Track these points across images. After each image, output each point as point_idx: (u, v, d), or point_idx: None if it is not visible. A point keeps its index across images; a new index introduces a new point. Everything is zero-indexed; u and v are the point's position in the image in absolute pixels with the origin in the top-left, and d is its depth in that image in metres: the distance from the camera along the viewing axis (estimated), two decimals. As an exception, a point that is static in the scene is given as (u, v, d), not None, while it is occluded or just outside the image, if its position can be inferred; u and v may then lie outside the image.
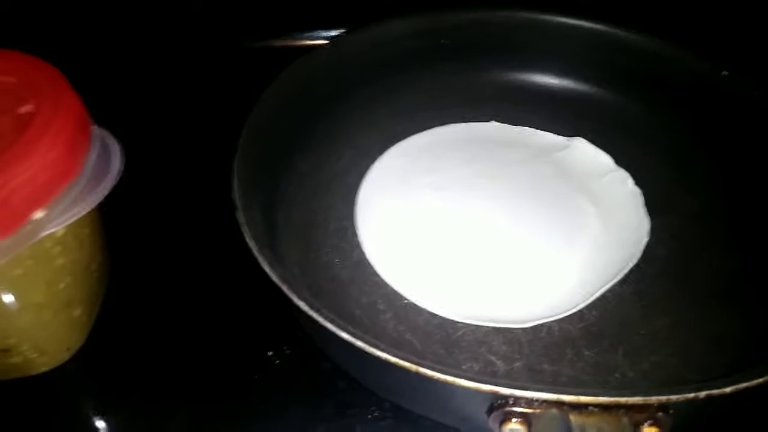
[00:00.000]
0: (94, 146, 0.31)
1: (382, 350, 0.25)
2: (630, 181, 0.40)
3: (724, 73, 0.41)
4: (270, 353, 0.34)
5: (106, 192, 0.30)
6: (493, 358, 0.32)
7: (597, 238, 0.37)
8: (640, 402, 0.23)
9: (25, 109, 0.29)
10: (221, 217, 0.32)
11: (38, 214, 0.27)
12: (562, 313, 0.33)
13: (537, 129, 0.44)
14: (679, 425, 0.24)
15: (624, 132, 0.44)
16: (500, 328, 0.33)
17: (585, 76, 0.46)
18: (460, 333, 0.32)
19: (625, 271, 0.35)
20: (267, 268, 0.28)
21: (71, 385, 0.34)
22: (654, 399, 0.23)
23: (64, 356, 0.34)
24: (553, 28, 0.46)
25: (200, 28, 0.55)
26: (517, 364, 0.31)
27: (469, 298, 0.34)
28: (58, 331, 0.33)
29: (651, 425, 0.23)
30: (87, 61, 0.46)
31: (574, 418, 0.23)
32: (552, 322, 0.33)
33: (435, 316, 0.33)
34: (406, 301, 0.34)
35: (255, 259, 0.28)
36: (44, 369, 0.33)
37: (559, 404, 0.23)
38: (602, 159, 0.42)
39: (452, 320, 0.33)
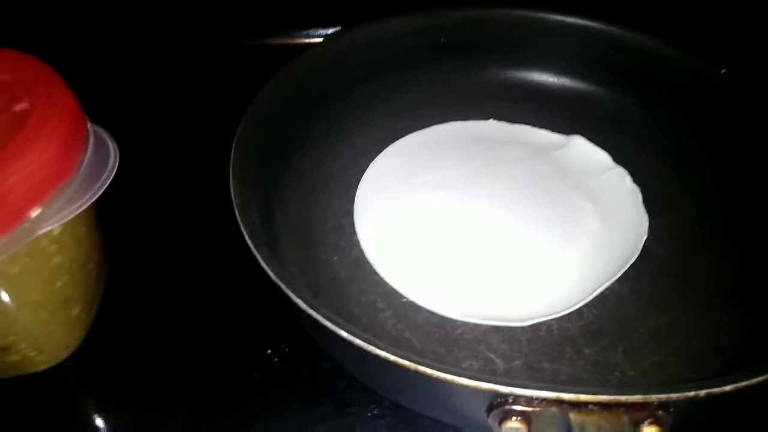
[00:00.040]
0: (90, 144, 0.31)
1: (382, 349, 0.25)
2: (628, 179, 0.40)
3: (723, 71, 0.41)
4: (269, 352, 0.34)
5: (101, 190, 0.30)
6: (492, 356, 0.32)
7: (596, 236, 0.37)
8: (640, 400, 0.23)
9: (20, 107, 0.29)
10: (219, 216, 0.32)
11: (34, 212, 0.27)
12: (561, 311, 0.33)
13: (535, 127, 0.44)
14: (680, 423, 0.24)
15: (622, 130, 0.44)
16: (499, 326, 0.32)
17: (583, 74, 0.46)
18: (459, 331, 0.32)
19: (625, 269, 0.35)
20: (266, 267, 0.28)
21: (70, 383, 0.34)
22: (654, 397, 0.23)
23: (63, 354, 0.33)
24: (552, 27, 0.45)
25: (198, 26, 0.55)
26: (517, 362, 0.31)
27: (469, 297, 0.34)
28: (56, 329, 0.33)
29: (651, 424, 0.23)
30: (82, 58, 0.46)
31: (573, 416, 0.23)
32: (551, 320, 0.33)
33: (434, 314, 0.33)
34: (405, 300, 0.34)
35: (254, 258, 0.28)
36: (43, 367, 0.33)
37: (559, 402, 0.23)
38: (600, 157, 0.42)
39: (451, 318, 0.33)
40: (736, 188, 0.39)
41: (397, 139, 0.43)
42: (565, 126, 0.44)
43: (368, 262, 0.36)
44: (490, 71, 0.47)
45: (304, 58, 0.42)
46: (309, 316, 0.26)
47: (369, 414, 0.31)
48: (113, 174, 0.30)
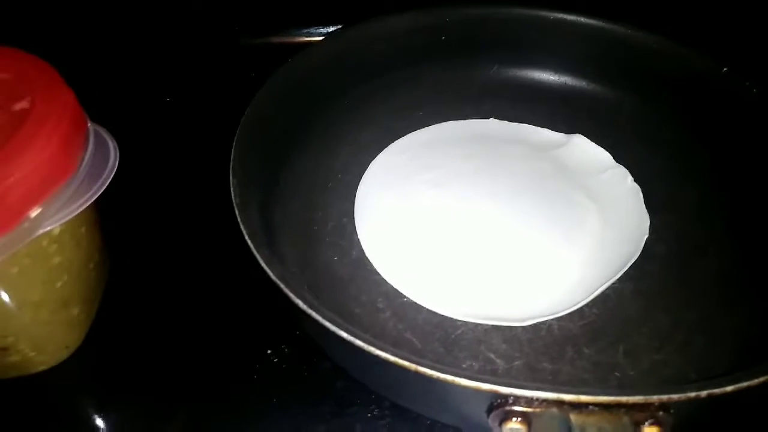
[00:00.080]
0: (90, 143, 0.30)
1: (382, 349, 0.25)
2: (629, 178, 0.40)
3: (724, 69, 0.41)
4: (269, 352, 0.34)
5: (101, 190, 0.29)
6: (492, 356, 0.31)
7: (597, 235, 0.37)
8: (641, 401, 0.23)
9: (19, 106, 0.29)
10: (219, 215, 0.31)
11: (34, 212, 0.27)
12: (562, 311, 0.33)
13: (536, 126, 0.44)
14: (681, 424, 0.24)
15: (623, 129, 0.44)
16: (500, 326, 0.32)
17: (584, 72, 0.46)
18: (459, 331, 0.32)
19: (626, 268, 0.35)
20: (265, 267, 0.28)
21: (70, 384, 0.34)
22: (655, 398, 0.23)
23: (63, 355, 0.33)
24: (553, 25, 0.45)
25: (197, 25, 0.55)
26: (517, 362, 0.31)
27: (469, 296, 0.34)
28: (56, 329, 0.33)
29: (652, 424, 0.23)
30: (82, 57, 0.46)
31: (574, 417, 0.23)
32: (552, 320, 0.33)
33: (434, 314, 0.33)
34: (405, 299, 0.34)
35: (253, 258, 0.28)
36: (43, 368, 0.33)
37: (560, 403, 0.23)
38: (601, 156, 0.42)
39: (452, 318, 0.33)
40: (738, 187, 0.39)
41: (397, 137, 0.43)
42: (565, 124, 0.44)
43: (368, 261, 0.35)
44: (490, 69, 0.47)
45: (304, 56, 0.42)
46: (309, 316, 0.26)
47: (369, 414, 0.31)
48: (113, 173, 0.30)
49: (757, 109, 0.39)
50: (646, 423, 0.23)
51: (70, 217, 0.28)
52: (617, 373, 0.31)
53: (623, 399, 0.23)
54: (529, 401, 0.23)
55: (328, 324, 0.26)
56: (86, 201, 0.29)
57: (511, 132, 0.44)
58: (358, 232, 0.37)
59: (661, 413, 0.23)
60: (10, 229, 0.26)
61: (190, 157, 0.44)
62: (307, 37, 0.54)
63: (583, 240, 0.37)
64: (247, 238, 0.29)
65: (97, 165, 0.30)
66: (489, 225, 0.37)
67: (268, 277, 0.28)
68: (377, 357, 0.25)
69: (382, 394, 0.31)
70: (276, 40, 0.55)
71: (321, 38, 0.48)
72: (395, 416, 0.31)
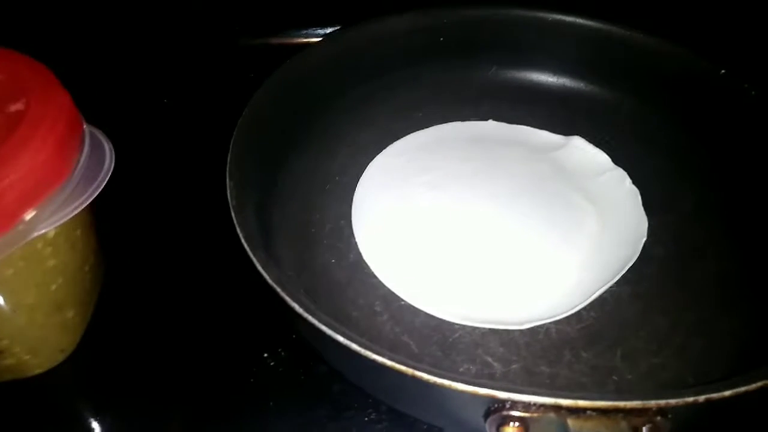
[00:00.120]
0: (85, 145, 0.30)
1: (378, 353, 0.25)
2: (628, 181, 0.40)
3: (723, 71, 0.41)
4: (265, 355, 0.33)
5: (97, 192, 0.29)
6: (490, 359, 0.31)
7: (595, 237, 0.37)
8: (639, 406, 0.23)
9: (14, 107, 0.29)
10: (216, 218, 0.31)
11: (29, 215, 0.27)
12: (559, 314, 0.33)
13: (534, 127, 0.44)
14: (678, 428, 0.23)
15: (621, 131, 0.43)
16: (497, 329, 0.32)
17: (583, 74, 0.46)
18: (457, 335, 0.32)
19: (624, 271, 0.35)
20: (261, 270, 0.28)
21: (65, 387, 0.33)
22: (653, 403, 0.23)
23: (58, 358, 0.33)
24: (551, 26, 0.45)
25: (196, 25, 0.55)
26: (515, 366, 0.31)
27: (467, 299, 0.34)
28: (51, 332, 0.32)
29: (650, 429, 0.23)
30: (78, 58, 0.46)
31: (572, 422, 0.23)
32: (550, 323, 0.33)
33: (432, 317, 0.33)
34: (402, 303, 0.34)
35: (250, 261, 0.28)
36: (38, 371, 0.33)
37: (557, 408, 0.23)
38: (600, 158, 0.42)
39: (449, 322, 0.33)
40: (736, 189, 0.39)
41: (396, 138, 0.43)
42: (564, 125, 0.44)
43: (366, 264, 0.35)
44: (489, 71, 0.47)
45: (302, 57, 0.41)
46: (305, 319, 0.26)
47: (365, 418, 0.31)
48: (109, 176, 0.30)
49: (756, 111, 0.39)
50: (644, 428, 0.23)
51: (65, 219, 0.28)
52: (615, 377, 0.31)
53: (621, 404, 0.23)
54: (527, 406, 0.23)
55: (324, 328, 0.26)
56: (81, 204, 0.29)
57: (509, 134, 0.44)
58: (355, 235, 0.37)
59: (659, 418, 0.23)
60: (5, 232, 0.26)
61: (187, 159, 0.44)
62: (305, 37, 0.54)
63: (582, 242, 0.36)
64: (243, 241, 0.29)
65: (92, 167, 0.30)
66: (487, 227, 0.37)
67: (265, 280, 0.27)
68: (374, 361, 0.25)
69: (378, 398, 0.31)
70: (275, 40, 0.55)
71: (320, 39, 0.48)
72: (392, 420, 0.31)
